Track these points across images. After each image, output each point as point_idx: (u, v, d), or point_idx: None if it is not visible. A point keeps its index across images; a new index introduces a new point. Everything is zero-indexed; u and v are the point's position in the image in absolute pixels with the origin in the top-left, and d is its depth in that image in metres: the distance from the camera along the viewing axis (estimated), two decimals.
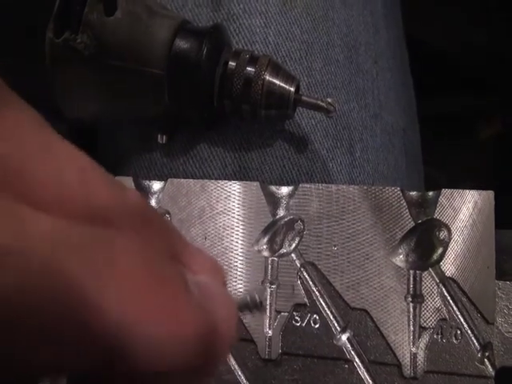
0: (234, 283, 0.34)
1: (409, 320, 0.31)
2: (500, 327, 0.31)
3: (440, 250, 0.32)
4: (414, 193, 0.33)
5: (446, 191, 0.33)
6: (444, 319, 0.31)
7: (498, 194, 0.32)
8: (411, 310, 0.32)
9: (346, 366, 0.32)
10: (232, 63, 0.37)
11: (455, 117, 0.91)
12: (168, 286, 0.16)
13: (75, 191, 0.15)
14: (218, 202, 0.36)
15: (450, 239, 0.32)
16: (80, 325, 0.14)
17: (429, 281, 0.32)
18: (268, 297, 0.33)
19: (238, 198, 0.35)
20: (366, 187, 0.34)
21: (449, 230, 0.32)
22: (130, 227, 0.16)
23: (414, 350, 0.31)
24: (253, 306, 0.25)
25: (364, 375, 0.31)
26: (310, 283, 0.33)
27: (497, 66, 0.88)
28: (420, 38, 0.78)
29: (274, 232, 0.34)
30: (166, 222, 0.19)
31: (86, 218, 0.15)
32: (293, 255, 0.34)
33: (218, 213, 0.35)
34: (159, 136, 0.40)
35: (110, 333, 0.14)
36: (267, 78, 0.36)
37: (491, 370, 0.30)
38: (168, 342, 0.15)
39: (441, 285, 0.32)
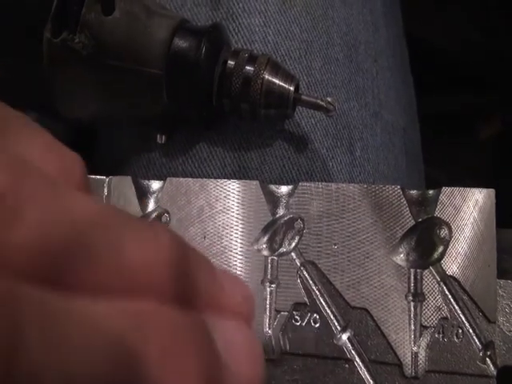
0: None
1: (410, 319, 0.31)
2: (502, 326, 0.31)
3: (441, 249, 0.32)
4: (414, 191, 0.33)
5: (446, 189, 0.32)
6: (445, 318, 0.31)
7: (498, 192, 0.32)
8: (412, 308, 0.31)
9: (347, 365, 0.31)
10: (231, 62, 0.36)
11: (455, 115, 0.91)
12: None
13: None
14: (217, 200, 0.35)
15: (450, 237, 0.32)
16: None
17: (430, 279, 0.32)
18: (268, 296, 0.33)
19: (237, 196, 0.35)
20: (366, 186, 0.33)
21: (449, 229, 0.32)
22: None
23: (415, 349, 0.31)
24: None
25: (365, 375, 0.31)
26: (310, 282, 0.33)
27: (497, 64, 0.87)
28: (420, 36, 0.78)
29: (274, 231, 0.34)
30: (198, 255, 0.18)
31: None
32: (293, 254, 0.34)
33: (217, 212, 0.35)
34: (158, 136, 0.40)
35: None
36: (266, 77, 0.36)
37: (493, 369, 0.30)
38: None
39: (442, 283, 0.31)
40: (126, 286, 0.14)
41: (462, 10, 0.89)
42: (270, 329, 0.33)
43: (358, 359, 0.31)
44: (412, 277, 0.32)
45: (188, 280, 0.16)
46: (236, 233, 0.35)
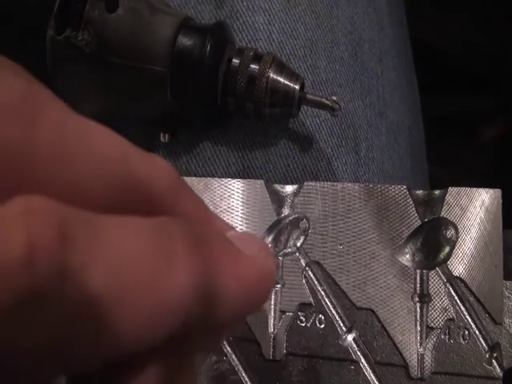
0: None
1: (416, 320, 0.31)
2: (508, 328, 0.30)
3: (447, 249, 0.32)
4: (420, 191, 0.33)
5: (452, 189, 0.32)
6: (451, 319, 0.31)
7: (503, 193, 0.32)
8: (418, 309, 0.31)
9: (352, 366, 0.31)
10: (236, 60, 0.36)
11: (457, 117, 0.91)
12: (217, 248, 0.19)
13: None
14: (221, 200, 0.35)
15: (457, 238, 0.32)
16: None
17: (436, 280, 0.31)
18: (272, 296, 0.33)
19: (241, 196, 0.35)
20: (371, 185, 0.33)
21: (456, 229, 0.32)
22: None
23: (421, 350, 0.31)
24: None
25: (370, 376, 0.31)
26: (316, 282, 0.33)
27: (499, 66, 0.87)
28: (421, 37, 0.78)
29: (279, 231, 0.34)
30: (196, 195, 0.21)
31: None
32: (298, 254, 0.33)
33: (221, 211, 0.35)
34: (162, 135, 0.39)
35: None
36: (271, 75, 0.35)
37: (499, 370, 0.30)
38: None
39: (448, 284, 0.31)
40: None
41: (462, 11, 0.89)
42: (274, 329, 0.32)
43: (363, 360, 0.31)
44: (418, 278, 0.32)
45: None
46: None
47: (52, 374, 0.15)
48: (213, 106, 0.37)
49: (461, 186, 0.32)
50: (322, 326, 0.32)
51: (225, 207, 0.35)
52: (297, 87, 0.36)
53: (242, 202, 0.35)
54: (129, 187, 0.17)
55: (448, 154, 0.85)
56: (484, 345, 0.30)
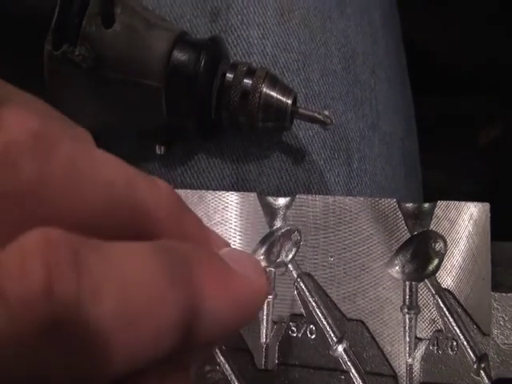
0: None
1: (405, 331, 0.32)
2: (496, 339, 0.31)
3: (436, 262, 0.32)
4: (409, 204, 0.33)
5: (441, 203, 0.33)
6: (440, 330, 0.31)
7: (497, 201, 0.33)
8: (407, 321, 0.32)
9: (343, 376, 0.32)
10: (229, 75, 0.37)
11: (455, 120, 0.91)
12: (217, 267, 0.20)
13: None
14: (215, 212, 0.36)
15: (445, 251, 0.32)
16: None
17: (425, 292, 0.32)
18: (265, 307, 0.34)
19: (235, 208, 0.35)
20: (362, 199, 0.34)
21: (444, 242, 0.32)
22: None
23: (409, 361, 0.31)
24: None
25: None
26: (307, 294, 0.33)
27: (497, 68, 0.88)
28: (419, 38, 0.78)
29: (271, 243, 0.35)
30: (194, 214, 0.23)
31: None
32: (290, 266, 0.34)
33: (215, 223, 0.36)
34: (157, 147, 0.40)
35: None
36: (264, 90, 0.36)
37: (487, 381, 0.30)
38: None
39: (437, 296, 0.32)
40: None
41: (461, 13, 0.89)
42: (267, 340, 0.33)
43: (353, 370, 0.32)
44: (407, 289, 0.32)
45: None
46: (234, 244, 0.35)
47: None
48: (207, 119, 0.38)
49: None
50: (313, 336, 0.33)
51: (219, 219, 0.36)
52: (289, 102, 0.36)
53: (236, 215, 0.35)
54: (134, 213, 0.19)
55: (446, 156, 0.86)
56: (472, 356, 0.31)
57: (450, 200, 0.33)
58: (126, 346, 0.16)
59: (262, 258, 0.34)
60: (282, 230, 0.34)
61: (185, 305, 0.17)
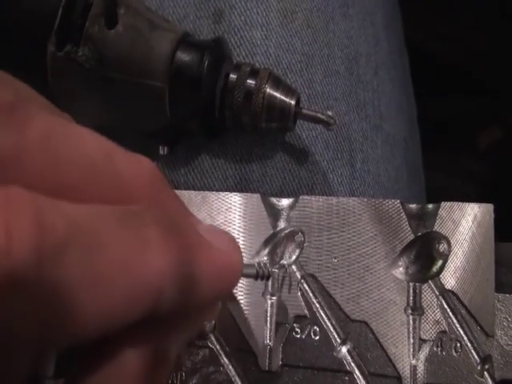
0: (235, 295, 0.34)
1: (409, 332, 0.32)
2: (499, 340, 0.31)
3: (440, 263, 0.32)
4: (413, 205, 0.33)
5: (445, 204, 0.33)
6: (444, 332, 0.31)
7: (497, 202, 0.33)
8: (411, 322, 0.32)
9: (347, 377, 0.32)
10: (233, 76, 0.37)
11: (456, 122, 0.91)
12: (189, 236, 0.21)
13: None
14: (218, 213, 0.36)
15: (449, 252, 0.32)
16: None
17: (428, 293, 0.32)
18: (268, 308, 0.34)
19: (238, 209, 0.35)
20: (366, 199, 0.34)
21: (448, 243, 0.32)
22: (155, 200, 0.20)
23: (413, 362, 0.31)
24: (261, 275, 0.28)
25: None
26: (311, 295, 0.33)
27: (499, 70, 0.88)
28: (421, 41, 0.79)
29: (275, 244, 0.35)
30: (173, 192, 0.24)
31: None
32: (293, 267, 0.34)
33: (218, 224, 0.36)
34: (160, 147, 0.40)
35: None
36: (268, 91, 0.36)
37: (491, 382, 0.30)
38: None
39: (440, 297, 0.32)
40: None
41: (463, 16, 0.89)
42: (270, 341, 0.33)
43: (357, 372, 0.32)
44: (411, 290, 0.32)
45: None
46: None
47: (34, 352, 0.16)
48: (210, 120, 0.38)
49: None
50: (317, 337, 0.33)
51: (222, 220, 0.36)
52: (293, 102, 0.36)
53: (239, 216, 0.35)
54: (112, 183, 0.19)
55: (446, 158, 0.86)
56: (476, 357, 0.31)
57: (451, 201, 0.33)
58: (92, 306, 0.16)
59: (265, 258, 0.34)
60: (286, 231, 0.34)
61: (146, 269, 0.18)
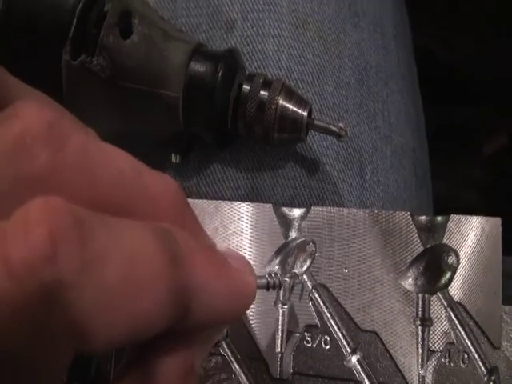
0: None
1: (417, 343, 0.32)
2: (506, 352, 0.32)
3: (448, 275, 0.33)
4: (423, 217, 0.34)
5: (454, 217, 0.34)
6: (452, 343, 0.32)
7: (500, 209, 0.33)
8: (420, 333, 0.32)
9: None
10: (246, 87, 0.37)
11: (460, 130, 0.91)
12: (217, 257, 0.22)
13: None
14: (231, 222, 0.36)
15: (458, 264, 0.33)
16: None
17: (437, 305, 0.33)
18: (280, 317, 0.34)
19: (250, 219, 0.36)
20: (376, 211, 0.34)
21: (457, 255, 0.33)
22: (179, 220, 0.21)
23: (422, 372, 0.32)
24: (271, 285, 0.29)
25: None
26: (321, 305, 0.34)
27: (505, 79, 0.88)
28: (427, 48, 0.79)
29: (286, 253, 0.35)
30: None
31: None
32: (304, 276, 0.35)
33: (230, 233, 0.36)
34: (173, 156, 0.40)
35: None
36: (281, 102, 0.36)
37: None
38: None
39: (449, 309, 0.33)
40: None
41: (469, 23, 0.90)
42: (282, 349, 0.34)
43: (367, 381, 0.32)
44: (420, 302, 0.33)
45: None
46: (249, 255, 0.36)
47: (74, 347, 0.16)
48: (223, 130, 0.38)
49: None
50: (328, 346, 0.33)
51: (234, 230, 0.36)
52: (305, 114, 0.37)
53: (251, 225, 0.36)
54: (141, 199, 0.20)
55: (451, 166, 0.86)
56: (483, 368, 0.31)
57: (456, 210, 0.34)
58: (126, 315, 0.17)
59: (276, 268, 0.35)
60: (297, 241, 0.35)
61: (179, 283, 0.18)
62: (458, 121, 0.92)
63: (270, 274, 0.29)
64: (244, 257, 0.25)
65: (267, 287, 0.29)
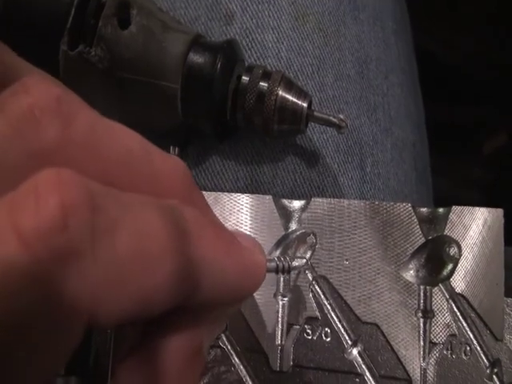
0: None
1: (419, 335, 0.32)
2: (508, 344, 0.31)
3: (450, 267, 0.33)
4: (424, 209, 0.34)
5: (456, 208, 0.33)
6: (454, 335, 0.32)
7: (504, 209, 0.33)
8: (421, 325, 0.32)
9: (357, 379, 0.32)
10: (245, 78, 0.37)
11: (460, 128, 0.91)
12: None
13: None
14: (230, 214, 0.36)
15: (459, 256, 0.33)
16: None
17: (439, 297, 0.32)
18: (280, 309, 0.34)
19: (250, 210, 0.36)
20: (377, 203, 0.34)
21: (459, 247, 0.33)
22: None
23: (424, 365, 0.32)
24: (281, 269, 0.29)
25: None
26: (322, 297, 0.34)
27: (503, 77, 0.88)
28: (428, 48, 0.79)
29: (286, 245, 0.35)
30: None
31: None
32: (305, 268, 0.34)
33: (230, 225, 0.36)
34: (171, 148, 0.40)
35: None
36: (280, 93, 0.36)
37: None
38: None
39: (451, 301, 0.32)
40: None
41: (470, 22, 0.90)
42: (282, 341, 0.33)
43: (368, 374, 0.32)
44: (422, 294, 0.32)
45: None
46: None
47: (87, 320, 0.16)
48: (222, 121, 0.38)
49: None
50: (328, 339, 0.33)
51: (234, 221, 0.36)
52: (305, 105, 0.36)
53: (251, 217, 0.36)
54: (150, 176, 0.20)
55: (452, 164, 0.86)
56: (485, 360, 0.31)
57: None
58: (135, 289, 0.17)
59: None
60: (297, 233, 0.35)
61: (187, 258, 0.18)
62: (458, 120, 0.92)
63: (279, 258, 0.29)
64: (253, 237, 0.25)
65: (276, 270, 0.29)
